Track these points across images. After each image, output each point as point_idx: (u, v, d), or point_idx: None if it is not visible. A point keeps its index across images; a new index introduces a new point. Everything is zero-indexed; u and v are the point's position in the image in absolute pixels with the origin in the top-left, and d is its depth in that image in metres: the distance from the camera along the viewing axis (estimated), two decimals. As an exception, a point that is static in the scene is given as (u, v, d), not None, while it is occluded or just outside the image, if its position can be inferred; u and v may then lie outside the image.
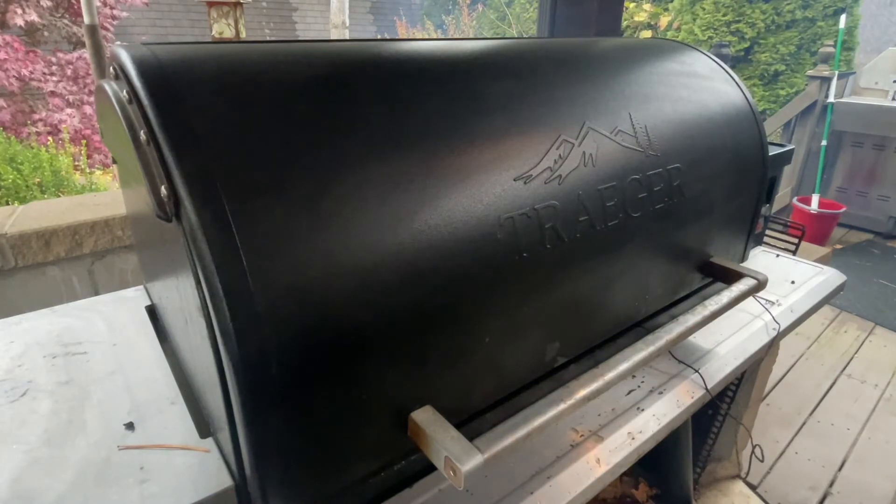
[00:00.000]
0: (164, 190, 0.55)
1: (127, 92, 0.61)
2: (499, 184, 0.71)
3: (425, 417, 0.67)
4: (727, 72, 1.20)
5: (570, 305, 0.85)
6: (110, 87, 0.70)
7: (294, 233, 0.55)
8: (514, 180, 0.73)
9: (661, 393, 1.00)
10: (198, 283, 0.53)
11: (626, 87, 0.97)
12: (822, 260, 2.72)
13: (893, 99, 4.44)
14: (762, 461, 2.03)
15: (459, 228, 0.66)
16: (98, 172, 5.05)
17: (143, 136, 0.58)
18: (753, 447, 1.80)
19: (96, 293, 1.72)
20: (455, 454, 0.62)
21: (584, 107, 0.88)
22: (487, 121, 0.75)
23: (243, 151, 0.57)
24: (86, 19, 2.80)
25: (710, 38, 6.10)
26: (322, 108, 0.65)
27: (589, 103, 0.89)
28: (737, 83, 1.19)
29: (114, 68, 0.66)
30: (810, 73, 4.48)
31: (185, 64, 0.62)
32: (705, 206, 1.06)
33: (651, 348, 0.88)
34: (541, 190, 0.75)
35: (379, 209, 0.61)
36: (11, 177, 3.40)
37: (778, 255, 1.55)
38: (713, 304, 1.02)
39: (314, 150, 0.61)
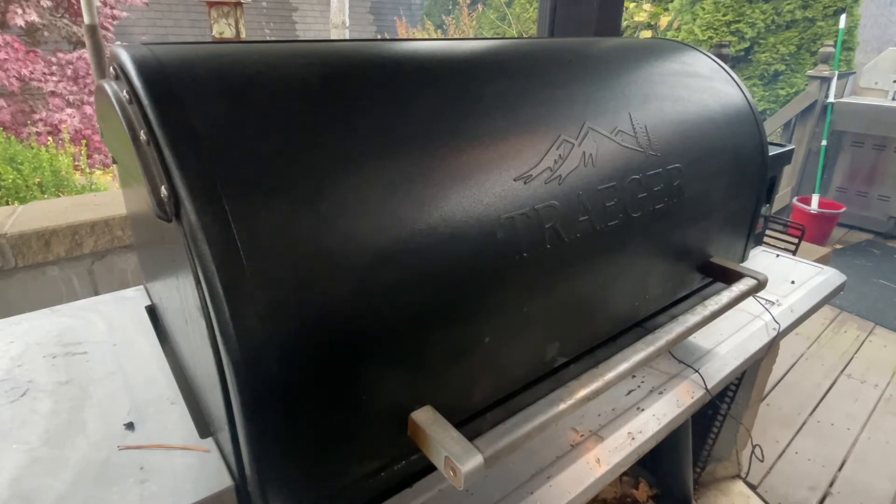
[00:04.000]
0: (164, 190, 0.55)
1: (127, 92, 0.61)
2: (499, 184, 0.71)
3: (425, 417, 0.67)
4: (727, 72, 1.20)
5: (570, 305, 0.85)
6: (110, 87, 0.70)
7: (294, 233, 0.55)
8: (514, 180, 0.73)
9: (661, 393, 1.00)
10: (198, 283, 0.53)
11: (626, 87, 0.97)
12: (822, 260, 2.72)
13: (893, 99, 4.44)
14: (762, 461, 2.03)
15: (459, 228, 0.66)
16: (98, 172, 5.05)
17: (143, 136, 0.58)
18: (753, 447, 1.80)
19: (96, 293, 1.71)
20: (455, 454, 0.62)
21: (584, 107, 0.88)
22: (487, 121, 0.75)
23: (243, 151, 0.57)
24: (86, 19, 2.80)
25: (710, 38, 6.10)
26: (322, 108, 0.65)
27: (589, 103, 0.89)
28: (737, 83, 1.19)
29: (114, 68, 0.66)
30: (810, 73, 4.48)
31: (185, 64, 0.62)
32: (705, 206, 1.06)
33: (651, 348, 0.88)
34: (541, 190, 0.75)
35: (379, 209, 0.61)
36: (11, 177, 3.40)
37: (778, 255, 1.55)
38: (713, 304, 1.02)
39: (314, 149, 0.61)
